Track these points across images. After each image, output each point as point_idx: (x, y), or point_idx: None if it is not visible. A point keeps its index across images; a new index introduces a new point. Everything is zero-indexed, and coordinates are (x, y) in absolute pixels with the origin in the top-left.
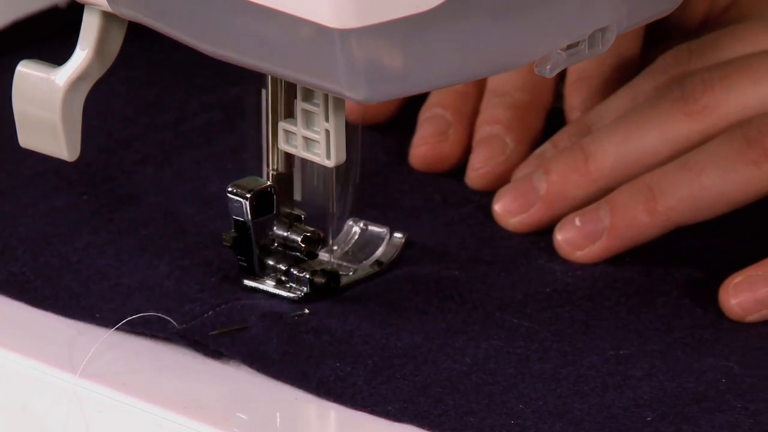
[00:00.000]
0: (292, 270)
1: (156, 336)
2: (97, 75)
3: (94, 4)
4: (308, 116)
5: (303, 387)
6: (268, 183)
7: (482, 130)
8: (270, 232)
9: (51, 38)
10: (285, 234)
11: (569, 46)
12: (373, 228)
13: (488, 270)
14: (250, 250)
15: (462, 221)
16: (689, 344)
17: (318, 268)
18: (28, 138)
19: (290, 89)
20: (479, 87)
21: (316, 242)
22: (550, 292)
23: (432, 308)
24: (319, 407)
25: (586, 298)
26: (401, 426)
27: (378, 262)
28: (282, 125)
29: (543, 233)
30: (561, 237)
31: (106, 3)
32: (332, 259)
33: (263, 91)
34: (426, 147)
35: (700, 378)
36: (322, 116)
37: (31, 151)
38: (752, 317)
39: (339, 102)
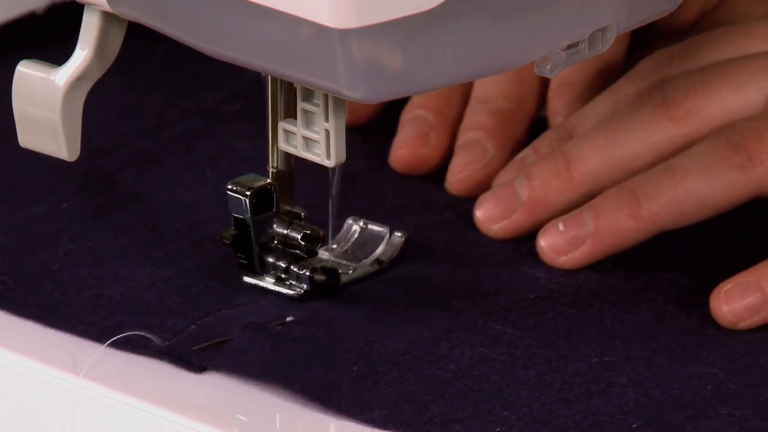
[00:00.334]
0: (292, 267)
1: (139, 353)
2: (97, 75)
3: (94, 4)
4: (308, 116)
5: (287, 392)
6: (268, 180)
7: (464, 135)
8: (270, 230)
9: (49, 39)
10: (285, 231)
11: (569, 46)
12: (373, 227)
13: (471, 277)
14: (250, 248)
15: (444, 227)
16: (674, 351)
17: (318, 265)
18: (28, 138)
19: (290, 89)
20: (463, 91)
21: (316, 240)
22: (534, 299)
23: (415, 315)
24: (319, 408)
25: (569, 304)
26: None
27: (378, 261)
28: (282, 125)
29: (526, 239)
30: (544, 242)
31: (106, 3)
32: (332, 258)
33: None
34: (407, 149)
35: (685, 385)
36: (322, 116)
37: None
38: (744, 324)
39: (339, 102)
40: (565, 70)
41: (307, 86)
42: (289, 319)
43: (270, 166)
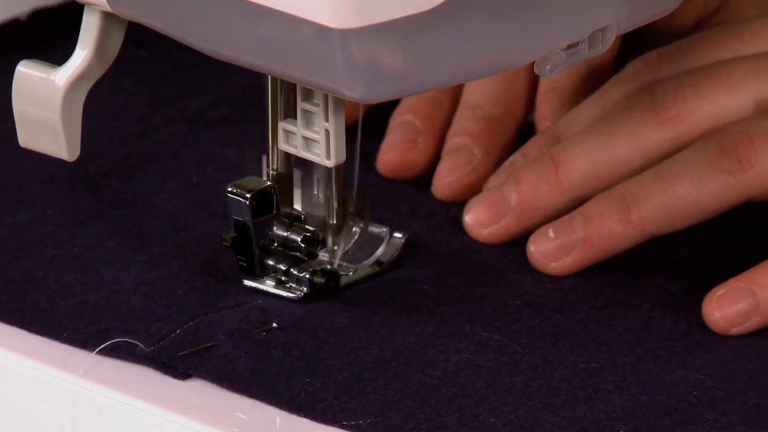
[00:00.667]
0: (292, 270)
1: (126, 359)
2: (97, 75)
3: (94, 4)
4: (308, 116)
5: (273, 403)
6: (268, 183)
7: (451, 141)
8: (270, 232)
9: (33, 45)
10: (285, 234)
11: (569, 46)
12: (373, 228)
13: (457, 282)
14: (250, 250)
15: (430, 232)
16: (660, 357)
17: (318, 268)
18: (28, 138)
19: (290, 89)
20: (452, 96)
21: (315, 242)
22: (520, 305)
23: (401, 321)
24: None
25: (556, 310)
26: None
27: (378, 262)
28: (282, 125)
29: (513, 245)
30: (535, 249)
31: (106, 3)
32: (332, 259)
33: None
34: (394, 154)
35: (671, 391)
36: (322, 116)
37: None
38: (736, 330)
39: (339, 102)
40: (553, 76)
41: (307, 86)
42: (274, 324)
43: (270, 168)
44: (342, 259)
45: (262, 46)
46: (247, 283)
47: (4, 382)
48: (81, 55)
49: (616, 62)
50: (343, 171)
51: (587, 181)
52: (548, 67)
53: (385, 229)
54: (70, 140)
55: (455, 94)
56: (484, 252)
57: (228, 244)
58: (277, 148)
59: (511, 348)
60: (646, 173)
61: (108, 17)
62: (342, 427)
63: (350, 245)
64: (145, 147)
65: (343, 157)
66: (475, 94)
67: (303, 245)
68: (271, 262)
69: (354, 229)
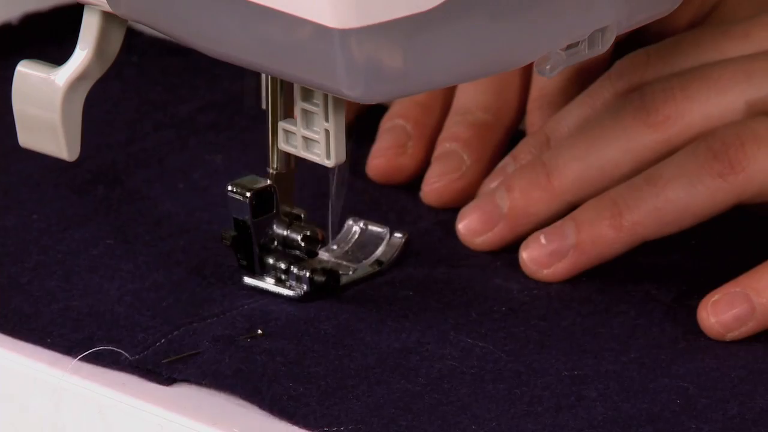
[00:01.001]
0: (292, 268)
1: (109, 367)
2: (97, 75)
3: (94, 4)
4: (308, 116)
5: (256, 404)
6: (268, 182)
7: (441, 146)
8: (270, 231)
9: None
10: (285, 233)
11: (569, 46)
12: (373, 228)
13: (443, 289)
14: (250, 249)
15: (417, 238)
16: (645, 365)
17: (318, 266)
18: (27, 138)
19: (290, 89)
20: (443, 101)
21: (315, 241)
22: (506, 312)
23: (386, 328)
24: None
25: (541, 317)
26: None
27: (378, 262)
28: (282, 125)
29: (500, 251)
30: (526, 255)
31: (106, 3)
32: (332, 259)
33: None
34: (383, 159)
35: (654, 399)
36: (321, 116)
37: None
38: (732, 335)
39: (339, 102)
40: (542, 82)
41: (307, 86)
42: (259, 331)
43: (270, 167)
44: (342, 258)
45: (262, 46)
46: (248, 281)
47: (4, 382)
48: (81, 55)
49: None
50: (343, 171)
51: (579, 185)
52: (548, 67)
53: (385, 229)
54: (70, 140)
55: (446, 99)
56: (471, 258)
57: (228, 243)
58: (277, 148)
59: (495, 355)
60: (637, 178)
61: (108, 17)
62: None
63: (350, 245)
64: (133, 153)
65: (343, 157)
66: (467, 99)
67: (303, 244)
68: (271, 261)
69: (354, 228)
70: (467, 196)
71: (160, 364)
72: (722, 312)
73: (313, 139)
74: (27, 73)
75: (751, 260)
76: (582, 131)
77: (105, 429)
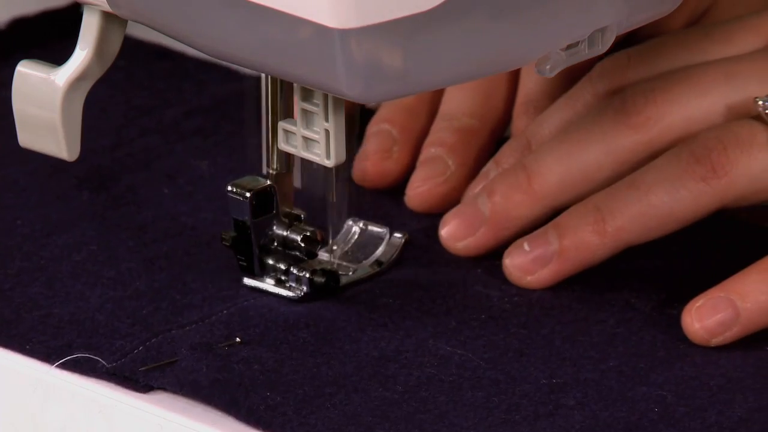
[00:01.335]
0: (292, 269)
1: (86, 374)
2: (96, 75)
3: (94, 4)
4: (308, 116)
5: (233, 414)
6: (268, 182)
7: (426, 151)
8: (270, 232)
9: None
10: (285, 233)
11: (569, 46)
12: (373, 228)
13: (423, 296)
14: (250, 250)
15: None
16: (623, 373)
17: (318, 267)
18: (27, 138)
19: (290, 89)
20: (429, 106)
21: (315, 242)
22: (486, 319)
23: (365, 336)
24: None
25: (521, 325)
26: None
27: (378, 262)
28: (282, 125)
29: (481, 258)
30: (510, 262)
31: (106, 3)
32: (332, 259)
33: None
34: (368, 163)
35: (632, 407)
36: (321, 116)
37: None
38: (717, 340)
39: (339, 102)
40: (528, 88)
41: (306, 86)
42: (237, 339)
43: (269, 168)
44: (342, 258)
45: (262, 46)
46: (247, 282)
47: (4, 382)
48: (81, 55)
49: None
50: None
51: (561, 188)
52: (548, 67)
53: (385, 229)
54: (70, 140)
55: (433, 103)
56: (452, 265)
57: (228, 244)
58: (277, 148)
59: (474, 363)
60: (620, 183)
61: (108, 17)
62: None
63: (350, 245)
64: (118, 158)
65: (343, 157)
66: (453, 104)
67: (303, 245)
68: (271, 262)
69: (354, 229)
70: (451, 201)
71: (137, 372)
72: (706, 317)
73: (313, 139)
74: (27, 73)
75: (730, 266)
76: (563, 134)
77: (106, 429)
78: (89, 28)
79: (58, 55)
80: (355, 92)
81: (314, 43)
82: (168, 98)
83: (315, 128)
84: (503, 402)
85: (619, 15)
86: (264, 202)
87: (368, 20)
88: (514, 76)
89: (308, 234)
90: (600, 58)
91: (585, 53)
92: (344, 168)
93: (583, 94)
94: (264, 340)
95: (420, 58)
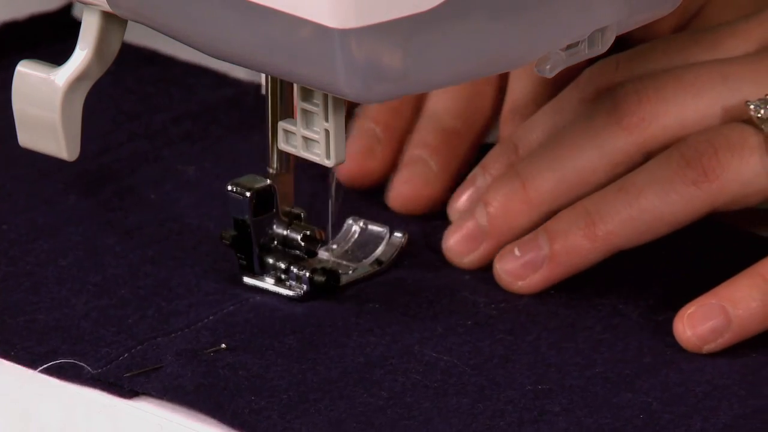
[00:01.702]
0: (292, 268)
1: (71, 380)
2: (96, 75)
3: (94, 4)
4: (308, 116)
5: (217, 418)
6: (268, 181)
7: (409, 152)
8: (270, 231)
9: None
10: (285, 232)
11: (569, 46)
12: (373, 227)
13: (410, 302)
14: (250, 249)
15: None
16: (609, 379)
17: (318, 266)
18: (27, 138)
19: (290, 89)
20: (413, 104)
21: (315, 240)
22: (472, 325)
23: (351, 341)
24: None
25: (507, 331)
26: None
27: (378, 261)
28: (281, 125)
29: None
30: (501, 268)
31: (106, 3)
32: (332, 258)
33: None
34: (353, 162)
35: (617, 414)
36: (321, 116)
37: None
38: (709, 347)
39: (338, 102)
40: (516, 95)
41: (306, 86)
42: (222, 345)
43: (269, 167)
44: (342, 257)
45: (262, 46)
46: (247, 281)
47: (4, 383)
48: (81, 55)
49: None
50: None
51: (556, 193)
52: (548, 67)
53: (385, 229)
54: (69, 140)
55: (417, 102)
56: (440, 271)
57: (228, 243)
58: (277, 148)
59: (459, 369)
60: (610, 187)
61: (108, 17)
62: None
63: (350, 244)
64: (105, 164)
65: (342, 157)
66: (437, 105)
67: (303, 243)
68: (271, 261)
69: (354, 228)
70: (434, 203)
71: (121, 378)
72: (698, 324)
73: (313, 139)
74: (27, 73)
75: (717, 272)
76: (555, 137)
77: (105, 429)
78: (89, 28)
79: (48, 60)
80: (355, 92)
81: (314, 43)
82: (156, 103)
83: (315, 128)
84: (488, 408)
85: (619, 15)
86: (264, 201)
87: (368, 20)
88: (502, 78)
89: (308, 233)
90: (589, 63)
91: (585, 53)
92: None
93: (570, 99)
94: (250, 346)
95: (420, 58)
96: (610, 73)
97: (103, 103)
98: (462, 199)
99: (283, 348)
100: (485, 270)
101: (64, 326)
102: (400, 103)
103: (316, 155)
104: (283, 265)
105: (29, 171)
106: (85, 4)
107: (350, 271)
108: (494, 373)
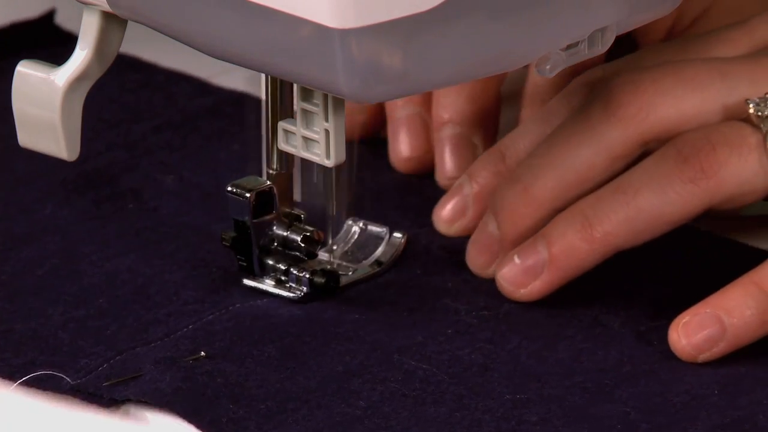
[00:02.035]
0: (291, 270)
1: (50, 391)
2: (96, 75)
3: (94, 4)
4: (308, 116)
5: (195, 424)
6: (268, 183)
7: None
8: (270, 232)
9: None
10: (285, 234)
11: (569, 46)
12: (373, 228)
13: (390, 310)
14: (250, 250)
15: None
16: (588, 389)
17: (318, 267)
18: (27, 138)
19: (290, 89)
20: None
21: (315, 242)
22: (452, 334)
23: (330, 350)
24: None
25: (487, 340)
26: None
27: (377, 262)
28: (282, 125)
29: (451, 273)
30: (501, 276)
31: (106, 3)
32: (332, 259)
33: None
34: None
35: (595, 424)
36: (321, 116)
37: None
38: (704, 356)
39: (338, 102)
40: (538, 79)
41: (306, 86)
42: (202, 353)
43: (269, 167)
44: (342, 258)
45: (262, 46)
46: (247, 282)
47: (4, 384)
48: (81, 55)
49: None
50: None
51: (558, 193)
52: (548, 67)
53: (384, 229)
54: (69, 140)
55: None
56: (422, 279)
57: (228, 244)
58: (277, 148)
59: (438, 377)
60: (606, 187)
61: (108, 17)
62: None
63: (350, 245)
64: (83, 172)
65: (342, 157)
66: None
67: (303, 245)
68: (270, 262)
69: (354, 228)
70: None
71: (101, 387)
72: (693, 333)
73: (312, 139)
74: (27, 73)
75: (699, 280)
76: (552, 136)
77: (106, 429)
78: (89, 28)
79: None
80: (355, 92)
81: (314, 43)
82: (137, 112)
83: (315, 128)
84: (465, 417)
85: (619, 15)
86: (264, 202)
87: (368, 20)
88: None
89: (308, 234)
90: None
91: (585, 53)
92: (344, 168)
93: (559, 109)
94: (229, 354)
95: (420, 58)
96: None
97: (84, 110)
98: (448, 207)
99: (263, 356)
100: (468, 276)
101: (41, 336)
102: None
103: (316, 155)
104: (283, 267)
105: (7, 179)
106: (85, 4)
107: (350, 272)
108: (473, 382)
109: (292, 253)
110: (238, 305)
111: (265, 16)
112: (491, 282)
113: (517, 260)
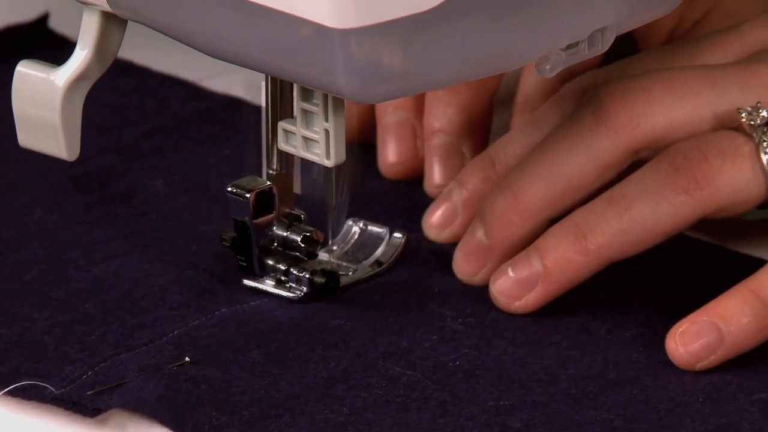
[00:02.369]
0: (291, 270)
1: (34, 400)
2: (96, 75)
3: (94, 4)
4: (308, 116)
5: (178, 429)
6: (268, 183)
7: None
8: (270, 232)
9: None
10: (284, 234)
11: (569, 46)
12: (373, 228)
13: (376, 316)
14: (250, 250)
15: None
16: (572, 396)
17: (318, 268)
18: (27, 138)
19: (290, 89)
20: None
21: (315, 242)
22: (437, 340)
23: (315, 356)
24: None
25: (472, 347)
26: None
27: (377, 262)
28: (281, 125)
29: (437, 278)
30: (496, 289)
31: (106, 3)
32: (332, 259)
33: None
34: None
35: (578, 431)
36: (321, 116)
37: None
38: (702, 364)
39: (338, 102)
40: (530, 87)
41: (306, 86)
42: (186, 359)
43: (269, 168)
44: (342, 258)
45: (262, 46)
46: (247, 283)
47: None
48: (81, 55)
49: None
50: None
51: (548, 201)
52: (548, 67)
53: (385, 229)
54: (69, 140)
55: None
56: (408, 285)
57: (228, 244)
58: (276, 148)
59: (422, 384)
60: (599, 198)
61: (108, 17)
62: None
63: (350, 245)
64: (73, 176)
65: (342, 157)
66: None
67: (303, 245)
68: (270, 262)
69: (354, 229)
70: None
71: (84, 397)
72: (691, 342)
73: (312, 139)
74: (27, 73)
75: (687, 287)
76: (542, 144)
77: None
78: (89, 28)
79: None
80: (355, 92)
81: (314, 43)
82: (129, 116)
83: (315, 128)
84: (449, 424)
85: (619, 15)
86: (264, 203)
87: (368, 20)
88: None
89: (308, 234)
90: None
91: (585, 53)
92: (344, 168)
93: (549, 115)
94: (214, 360)
95: (420, 58)
96: (589, 89)
97: None
98: (437, 214)
99: (247, 362)
100: (455, 282)
101: (26, 342)
102: None
103: (316, 155)
104: (282, 267)
105: None
106: (85, 4)
107: (350, 273)
108: (457, 388)
109: (292, 253)
110: (224, 310)
111: (265, 16)
112: (478, 288)
113: (511, 273)
